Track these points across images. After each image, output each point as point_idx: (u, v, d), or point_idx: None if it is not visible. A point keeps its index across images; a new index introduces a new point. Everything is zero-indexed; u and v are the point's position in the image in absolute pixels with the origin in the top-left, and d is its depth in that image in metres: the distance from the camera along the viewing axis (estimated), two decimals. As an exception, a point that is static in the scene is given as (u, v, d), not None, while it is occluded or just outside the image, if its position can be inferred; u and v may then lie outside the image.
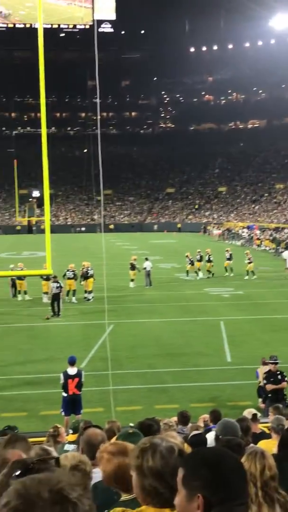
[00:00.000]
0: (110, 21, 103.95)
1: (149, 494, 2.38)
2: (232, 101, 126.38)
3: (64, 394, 12.16)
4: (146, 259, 31.83)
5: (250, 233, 64.89)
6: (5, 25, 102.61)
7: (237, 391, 14.26)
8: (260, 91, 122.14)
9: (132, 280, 31.22)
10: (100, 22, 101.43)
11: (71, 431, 7.87)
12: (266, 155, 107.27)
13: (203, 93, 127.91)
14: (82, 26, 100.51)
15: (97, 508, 1.33)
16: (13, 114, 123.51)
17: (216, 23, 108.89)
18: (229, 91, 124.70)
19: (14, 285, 28.27)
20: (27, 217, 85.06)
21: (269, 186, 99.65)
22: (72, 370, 12.30)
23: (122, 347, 18.30)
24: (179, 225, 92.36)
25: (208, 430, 8.08)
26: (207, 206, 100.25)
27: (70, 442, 7.30)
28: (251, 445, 4.67)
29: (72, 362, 12.46)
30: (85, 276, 27.36)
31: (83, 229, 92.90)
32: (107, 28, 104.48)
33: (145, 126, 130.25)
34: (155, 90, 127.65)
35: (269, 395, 11.89)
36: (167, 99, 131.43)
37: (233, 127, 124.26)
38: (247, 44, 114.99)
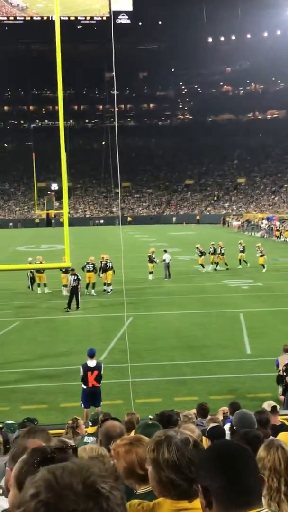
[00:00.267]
0: (127, 12, 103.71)
1: (166, 486, 2.39)
2: (251, 91, 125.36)
3: (84, 387, 12.22)
4: (165, 251, 31.79)
5: (270, 224, 64.49)
6: (22, 18, 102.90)
7: (256, 383, 14.21)
8: (279, 81, 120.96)
9: (150, 272, 31.22)
10: (117, 14, 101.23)
11: (90, 423, 7.90)
12: (285, 146, 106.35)
13: (221, 83, 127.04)
14: (99, 18, 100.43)
15: None
16: (31, 107, 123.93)
17: (234, 12, 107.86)
18: (248, 81, 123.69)
19: (33, 278, 28.43)
20: (46, 210, 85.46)
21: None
22: (91, 363, 12.35)
23: (141, 340, 18.33)
24: (198, 217, 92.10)
25: (226, 422, 8.07)
26: (226, 198, 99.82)
27: (90, 434, 7.33)
28: (271, 437, 4.64)
29: (91, 355, 12.51)
30: (104, 269, 27.42)
31: (101, 221, 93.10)
32: (124, 20, 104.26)
33: (163, 118, 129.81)
34: (173, 81, 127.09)
35: (289, 387, 11.84)
36: (185, 90, 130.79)
37: (252, 117, 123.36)
38: (265, 34, 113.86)
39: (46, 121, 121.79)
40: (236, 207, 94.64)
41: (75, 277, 24.16)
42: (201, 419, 8.83)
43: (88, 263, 27.31)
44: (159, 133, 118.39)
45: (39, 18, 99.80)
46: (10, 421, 9.12)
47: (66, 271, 25.10)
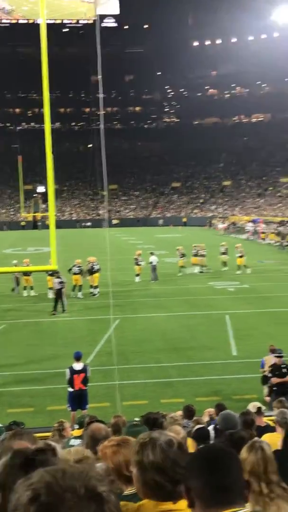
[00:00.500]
0: (113, 16, 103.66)
1: (150, 488, 2.40)
2: (236, 95, 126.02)
3: (70, 389, 12.21)
4: (152, 253, 31.82)
5: (255, 226, 64.80)
6: (8, 21, 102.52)
7: (242, 385, 14.28)
8: (264, 85, 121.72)
9: (137, 275, 31.24)
10: (103, 17, 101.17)
11: (76, 426, 7.91)
12: (270, 149, 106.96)
13: (207, 87, 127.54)
14: (85, 21, 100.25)
15: None
16: (17, 110, 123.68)
17: (219, 16, 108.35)
18: (233, 85, 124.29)
19: (18, 280, 28.34)
20: (32, 213, 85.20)
21: (274, 180, 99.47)
22: (78, 365, 12.34)
23: (127, 342, 18.34)
24: (184, 219, 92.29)
25: (212, 424, 8.12)
26: (212, 200, 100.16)
27: (76, 437, 7.33)
28: (255, 438, 4.69)
29: (78, 358, 12.50)
30: (91, 271, 27.39)
31: (88, 224, 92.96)
32: (110, 23, 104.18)
33: (149, 121, 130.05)
34: (159, 85, 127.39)
35: (274, 388, 11.91)
36: (171, 93, 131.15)
37: (237, 121, 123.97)
38: (251, 38, 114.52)
39: (32, 123, 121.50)
40: (222, 210, 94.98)
41: (60, 280, 24.06)
42: (187, 421, 8.87)
43: (74, 265, 27.28)
44: (145, 136, 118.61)
45: (25, 21, 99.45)
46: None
47: (52, 273, 25.04)
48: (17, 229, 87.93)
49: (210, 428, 7.12)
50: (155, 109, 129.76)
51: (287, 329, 19.93)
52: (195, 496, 1.84)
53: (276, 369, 12.08)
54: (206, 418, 8.99)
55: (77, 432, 7.53)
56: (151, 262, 31.19)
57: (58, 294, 23.99)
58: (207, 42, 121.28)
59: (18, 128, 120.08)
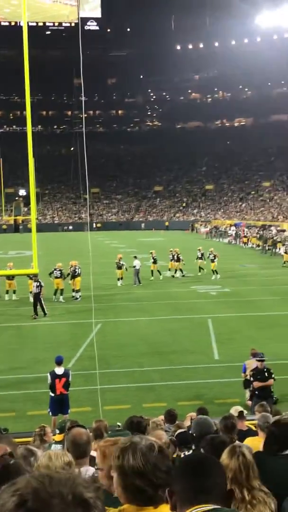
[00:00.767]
0: (95, 19, 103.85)
1: (131, 492, 2.38)
2: (219, 99, 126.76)
3: (52, 394, 12.14)
4: (135, 257, 31.81)
5: (237, 230, 65.13)
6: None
7: (224, 389, 14.29)
8: (246, 89, 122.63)
9: (118, 279, 31.19)
10: (85, 20, 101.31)
11: (57, 431, 7.84)
12: (252, 153, 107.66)
13: (189, 91, 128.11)
14: (68, 24, 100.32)
15: None
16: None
17: (202, 21, 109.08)
18: (216, 89, 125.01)
19: None
20: (14, 216, 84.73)
21: (256, 184, 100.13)
22: (59, 370, 12.27)
23: (109, 346, 18.29)
24: (167, 223, 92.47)
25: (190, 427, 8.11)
26: (194, 204, 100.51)
27: (57, 442, 7.27)
28: (236, 442, 4.68)
29: (59, 362, 12.43)
30: (73, 275, 27.30)
31: (70, 227, 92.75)
32: (92, 26, 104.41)
33: (131, 124, 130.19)
34: (142, 88, 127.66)
35: (256, 392, 11.95)
36: (154, 97, 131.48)
37: (220, 125, 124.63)
38: (233, 42, 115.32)
39: (14, 126, 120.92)
40: (204, 214, 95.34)
41: (38, 284, 23.89)
42: (169, 425, 8.85)
43: (55, 269, 27.15)
44: (128, 140, 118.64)
45: (7, 23, 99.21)
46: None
47: (31, 277, 24.90)
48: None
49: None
50: (138, 113, 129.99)
51: (269, 333, 20.02)
52: (178, 499, 1.95)
53: (258, 373, 12.11)
54: (188, 423, 8.97)
55: (58, 437, 7.46)
56: (134, 266, 31.17)
57: (36, 297, 23.84)
58: (190, 46, 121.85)
59: (0, 130, 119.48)
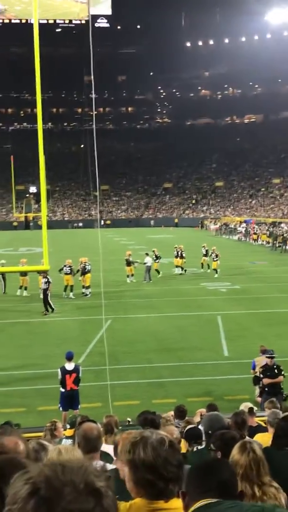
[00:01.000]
0: (106, 16, 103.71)
1: (142, 487, 2.42)
2: (229, 95, 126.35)
3: (62, 390, 12.20)
4: (146, 254, 31.88)
5: (247, 227, 64.97)
6: (0, 21, 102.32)
7: (234, 385, 14.31)
8: (257, 86, 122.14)
9: (128, 275, 31.25)
10: (96, 17, 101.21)
11: (68, 426, 7.90)
12: (262, 150, 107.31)
13: (199, 88, 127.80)
14: (78, 21, 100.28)
15: None
16: (9, 110, 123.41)
17: (213, 17, 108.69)
18: (226, 85, 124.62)
19: (4, 280, 28.36)
20: (24, 213, 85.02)
21: (266, 181, 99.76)
22: (69, 366, 12.33)
23: (119, 342, 18.34)
24: (176, 220, 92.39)
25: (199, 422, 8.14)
26: (204, 201, 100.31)
27: (67, 437, 7.33)
28: (246, 438, 4.70)
29: (69, 358, 12.48)
30: (83, 272, 27.38)
31: (80, 224, 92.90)
32: (103, 23, 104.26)
33: (141, 121, 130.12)
34: (152, 85, 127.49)
35: (266, 389, 11.95)
36: (164, 94, 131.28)
37: (230, 122, 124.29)
38: (243, 39, 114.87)
39: (25, 123, 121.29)
40: (214, 211, 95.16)
41: (46, 280, 24.01)
42: (178, 421, 8.89)
43: (65, 265, 27.25)
44: (137, 137, 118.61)
45: (17, 21, 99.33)
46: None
47: (41, 273, 25.02)
48: (9, 229, 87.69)
49: (201, 427, 7.13)
50: (148, 110, 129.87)
51: (278, 330, 20.00)
52: (190, 499, 2.07)
53: (268, 370, 12.11)
54: (197, 419, 9.01)
55: (69, 432, 7.52)
56: (145, 263, 31.25)
57: (44, 293, 23.97)
58: (200, 43, 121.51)
59: (10, 128, 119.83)
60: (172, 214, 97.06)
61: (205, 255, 35.12)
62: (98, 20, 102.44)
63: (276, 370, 12.10)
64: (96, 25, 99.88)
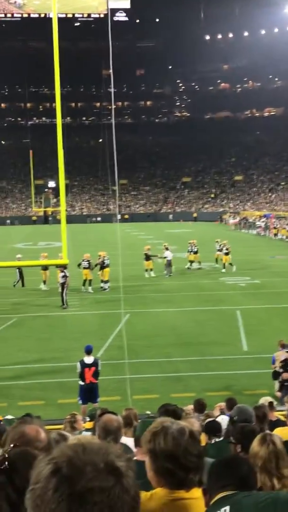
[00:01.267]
0: (124, 10, 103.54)
1: (163, 476, 2.43)
2: (248, 89, 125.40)
3: (81, 383, 12.26)
4: (167, 248, 31.91)
5: (266, 222, 64.57)
6: (19, 15, 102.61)
7: (253, 380, 14.27)
8: (276, 79, 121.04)
9: (146, 270, 31.26)
10: (114, 11, 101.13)
11: (88, 419, 7.95)
12: (282, 143, 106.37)
13: (218, 81, 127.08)
14: (97, 15, 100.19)
15: None
16: (28, 105, 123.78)
17: (231, 10, 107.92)
18: (245, 79, 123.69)
19: (21, 274, 28.51)
20: (43, 208, 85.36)
21: (286, 175, 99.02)
22: (88, 359, 12.38)
23: (138, 336, 18.37)
24: (195, 215, 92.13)
25: (220, 415, 8.15)
26: (223, 195, 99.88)
27: (87, 429, 7.37)
28: (267, 431, 4.69)
29: (88, 351, 12.53)
30: (102, 266, 27.44)
31: (98, 219, 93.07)
32: (121, 17, 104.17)
33: (160, 115, 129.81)
34: (170, 79, 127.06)
35: (286, 383, 11.90)
36: (182, 87, 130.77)
37: (249, 115, 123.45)
38: (263, 32, 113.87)
39: (44, 118, 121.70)
40: (233, 205, 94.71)
41: (63, 274, 24.11)
42: (198, 415, 8.89)
43: (83, 260, 27.31)
44: (156, 131, 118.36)
45: (36, 15, 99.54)
46: (9, 416, 9.15)
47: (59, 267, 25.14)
48: (28, 223, 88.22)
49: (220, 420, 7.13)
50: (166, 103, 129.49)
51: (298, 324, 19.86)
52: (210, 494, 2.18)
53: (287, 364, 12.05)
54: (217, 413, 9.01)
55: (88, 425, 7.57)
56: (165, 257, 31.30)
57: (62, 288, 24.08)
58: (219, 36, 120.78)
59: (29, 122, 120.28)
60: (190, 209, 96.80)
61: (220, 250, 34.84)
62: (117, 14, 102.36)
63: (296, 365, 12.04)
64: (115, 18, 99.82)
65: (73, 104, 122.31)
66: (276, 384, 12.57)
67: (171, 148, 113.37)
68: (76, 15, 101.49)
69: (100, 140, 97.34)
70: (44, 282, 28.19)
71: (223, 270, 32.60)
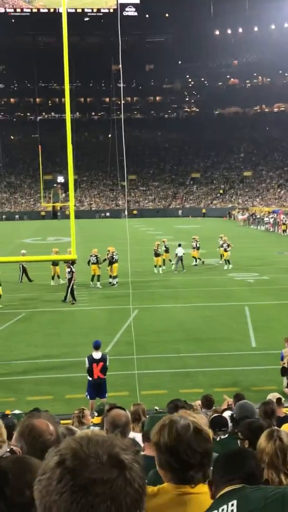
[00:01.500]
0: (134, 5, 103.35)
1: (166, 470, 2.44)
2: (258, 84, 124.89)
3: (89, 378, 12.28)
4: (179, 245, 31.95)
5: (275, 218, 64.36)
6: (29, 10, 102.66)
7: (261, 376, 14.25)
8: (286, 74, 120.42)
9: (155, 266, 31.27)
10: (124, 6, 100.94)
11: (96, 414, 7.97)
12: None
13: (228, 76, 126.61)
14: (106, 10, 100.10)
15: None
16: (37, 100, 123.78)
17: (241, 5, 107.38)
18: (255, 74, 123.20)
19: (24, 270, 28.55)
20: (52, 203, 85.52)
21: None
22: (97, 355, 12.39)
23: (146, 332, 18.38)
24: (204, 210, 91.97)
25: (225, 410, 8.14)
26: (232, 191, 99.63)
27: (95, 424, 7.40)
28: (274, 427, 4.68)
29: (97, 347, 12.55)
30: (110, 261, 27.46)
31: (107, 214, 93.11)
32: (131, 12, 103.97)
33: (169, 111, 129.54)
34: (180, 74, 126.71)
35: (294, 380, 11.88)
36: (192, 83, 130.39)
37: (259, 110, 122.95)
38: (273, 27, 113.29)
39: (53, 113, 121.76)
40: (242, 201, 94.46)
41: (69, 270, 24.13)
42: (206, 410, 8.89)
43: (91, 255, 27.32)
44: (165, 126, 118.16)
45: (46, 10, 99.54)
46: (17, 411, 9.18)
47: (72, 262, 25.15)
48: (37, 219, 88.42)
49: (226, 415, 7.13)
50: (176, 99, 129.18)
51: (307, 320, 19.80)
52: (216, 487, 2.14)
53: (295, 361, 12.04)
54: (224, 406, 9.02)
55: (96, 420, 7.59)
56: (176, 254, 31.39)
57: (69, 283, 24.11)
58: (229, 31, 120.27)
59: (39, 118, 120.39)
60: (199, 204, 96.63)
61: (221, 246, 34.19)
62: (126, 9, 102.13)
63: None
64: (124, 13, 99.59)
65: (82, 100, 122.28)
66: (285, 381, 12.56)
67: (180, 144, 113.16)
68: (86, 10, 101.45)
69: (109, 136, 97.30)
70: (53, 277, 28.27)
71: (225, 267, 32.38)
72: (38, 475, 1.19)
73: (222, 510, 1.93)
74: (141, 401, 9.89)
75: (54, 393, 13.35)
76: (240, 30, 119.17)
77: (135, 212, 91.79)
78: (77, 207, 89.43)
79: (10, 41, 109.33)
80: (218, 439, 6.20)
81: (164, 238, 34.72)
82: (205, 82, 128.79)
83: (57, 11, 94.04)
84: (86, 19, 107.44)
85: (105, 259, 27.53)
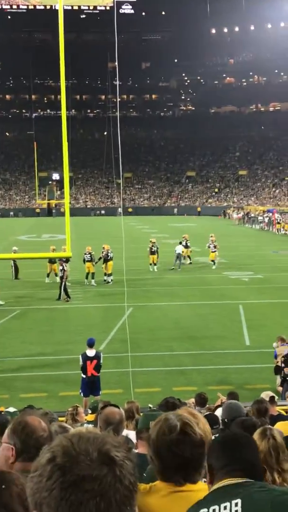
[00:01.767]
0: (130, 2, 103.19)
1: (153, 466, 2.46)
2: (254, 83, 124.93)
3: (83, 376, 12.29)
4: (180, 243, 32.02)
5: (270, 217, 64.44)
6: (25, 7, 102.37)
7: (255, 374, 14.29)
8: (282, 73, 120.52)
9: (150, 264, 31.26)
10: (120, 3, 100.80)
11: (89, 411, 7.97)
12: (287, 138, 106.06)
13: (224, 75, 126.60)
14: (103, 8, 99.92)
15: None
16: (33, 97, 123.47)
17: (238, 4, 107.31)
18: (251, 73, 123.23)
19: (16, 267, 28.46)
20: (47, 200, 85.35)
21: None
22: (90, 352, 12.40)
23: (141, 330, 18.39)
24: (199, 209, 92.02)
25: (218, 407, 8.16)
26: (227, 190, 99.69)
27: (89, 422, 7.40)
28: (267, 425, 4.70)
29: (91, 344, 12.56)
30: (105, 259, 27.44)
31: (102, 212, 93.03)
32: (127, 9, 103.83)
33: (165, 109, 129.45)
34: (176, 72, 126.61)
35: (287, 378, 11.91)
36: (188, 81, 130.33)
37: (254, 109, 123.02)
38: (269, 26, 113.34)
39: (48, 110, 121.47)
40: (237, 200, 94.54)
41: (61, 268, 24.13)
42: (199, 408, 8.91)
43: (85, 253, 27.28)
44: (161, 124, 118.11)
45: (42, 7, 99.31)
46: (12, 409, 9.16)
47: (66, 260, 25.11)
48: (32, 216, 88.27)
49: (218, 413, 7.15)
50: (172, 97, 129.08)
51: (301, 319, 19.85)
52: (215, 472, 2.10)
53: (289, 359, 12.06)
54: (218, 402, 9.04)
55: (90, 417, 7.59)
56: (175, 251, 31.50)
57: (61, 280, 24.11)
58: (225, 30, 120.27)
59: (34, 114, 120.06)
60: (195, 203, 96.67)
61: (208, 247, 33.69)
62: (123, 6, 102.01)
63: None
64: (121, 11, 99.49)
65: (78, 97, 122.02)
66: (278, 379, 12.59)
67: (176, 142, 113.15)
68: (82, 7, 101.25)
69: (105, 133, 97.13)
70: (48, 274, 28.22)
71: (214, 267, 32.16)
72: (31, 472, 1.20)
73: (225, 507, 1.89)
74: (135, 398, 9.90)
75: (48, 391, 13.36)
76: (237, 29, 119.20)
77: (130, 210, 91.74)
78: (72, 204, 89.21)
79: (6, 37, 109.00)
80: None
81: (154, 238, 34.20)
82: (201, 80, 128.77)
83: (53, 8, 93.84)
84: (83, 16, 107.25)
85: (100, 258, 27.52)
